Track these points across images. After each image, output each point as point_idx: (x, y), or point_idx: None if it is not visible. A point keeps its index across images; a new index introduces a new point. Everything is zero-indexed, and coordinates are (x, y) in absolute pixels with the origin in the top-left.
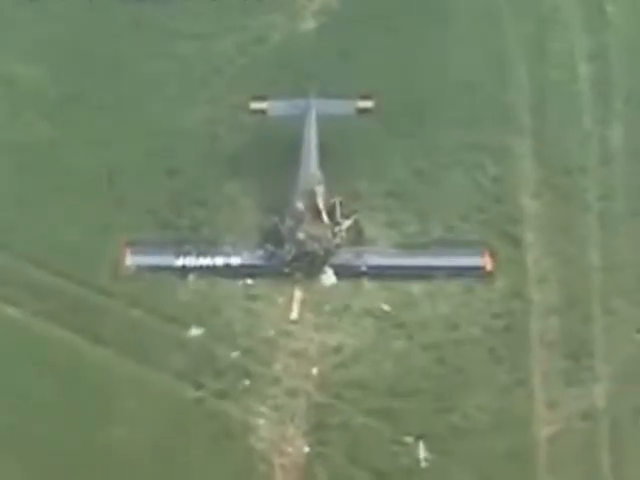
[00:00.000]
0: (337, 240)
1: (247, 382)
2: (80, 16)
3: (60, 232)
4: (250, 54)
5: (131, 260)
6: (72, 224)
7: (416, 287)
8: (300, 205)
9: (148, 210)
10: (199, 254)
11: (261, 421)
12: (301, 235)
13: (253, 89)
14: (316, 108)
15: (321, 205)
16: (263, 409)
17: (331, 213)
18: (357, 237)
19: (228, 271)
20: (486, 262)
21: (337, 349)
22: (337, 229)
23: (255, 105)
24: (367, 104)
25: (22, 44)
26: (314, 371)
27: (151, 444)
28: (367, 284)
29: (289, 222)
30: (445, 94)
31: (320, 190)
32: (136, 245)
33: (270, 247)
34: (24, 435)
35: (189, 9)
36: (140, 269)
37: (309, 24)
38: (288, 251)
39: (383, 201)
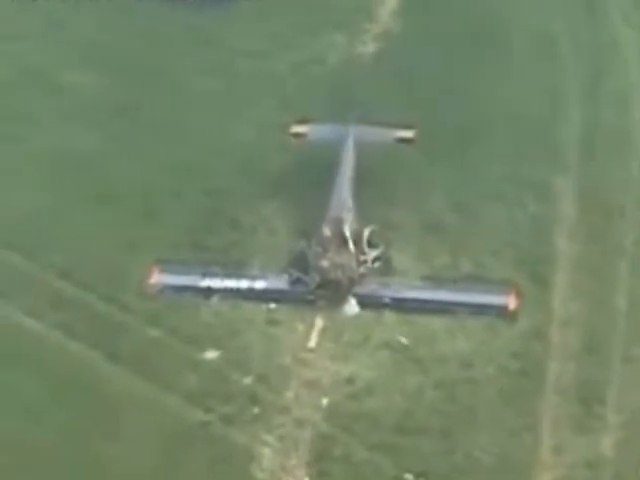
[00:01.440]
0: (362, 269)
1: (256, 409)
2: (138, 28)
3: (90, 244)
4: (305, 74)
5: (157, 278)
6: (103, 237)
7: (437, 322)
8: (327, 231)
9: (181, 229)
10: (225, 276)
11: (265, 450)
12: (325, 262)
13: (303, 110)
14: (355, 135)
15: (348, 233)
16: (269, 438)
17: (358, 242)
18: (385, 267)
19: (252, 294)
20: (510, 301)
21: (350, 380)
22: (363, 258)
23: (296, 128)
24: (408, 134)
25: (79, 53)
26: (324, 401)
27: (151, 463)
28: (388, 316)
29: (315, 248)
30: (493, 126)
31: (348, 218)
32: (164, 264)
33: (295, 272)
34: (29, 446)
35: (250, 26)
36: (165, 288)
37: (368, 47)
38: (313, 278)
39: (417, 232)
